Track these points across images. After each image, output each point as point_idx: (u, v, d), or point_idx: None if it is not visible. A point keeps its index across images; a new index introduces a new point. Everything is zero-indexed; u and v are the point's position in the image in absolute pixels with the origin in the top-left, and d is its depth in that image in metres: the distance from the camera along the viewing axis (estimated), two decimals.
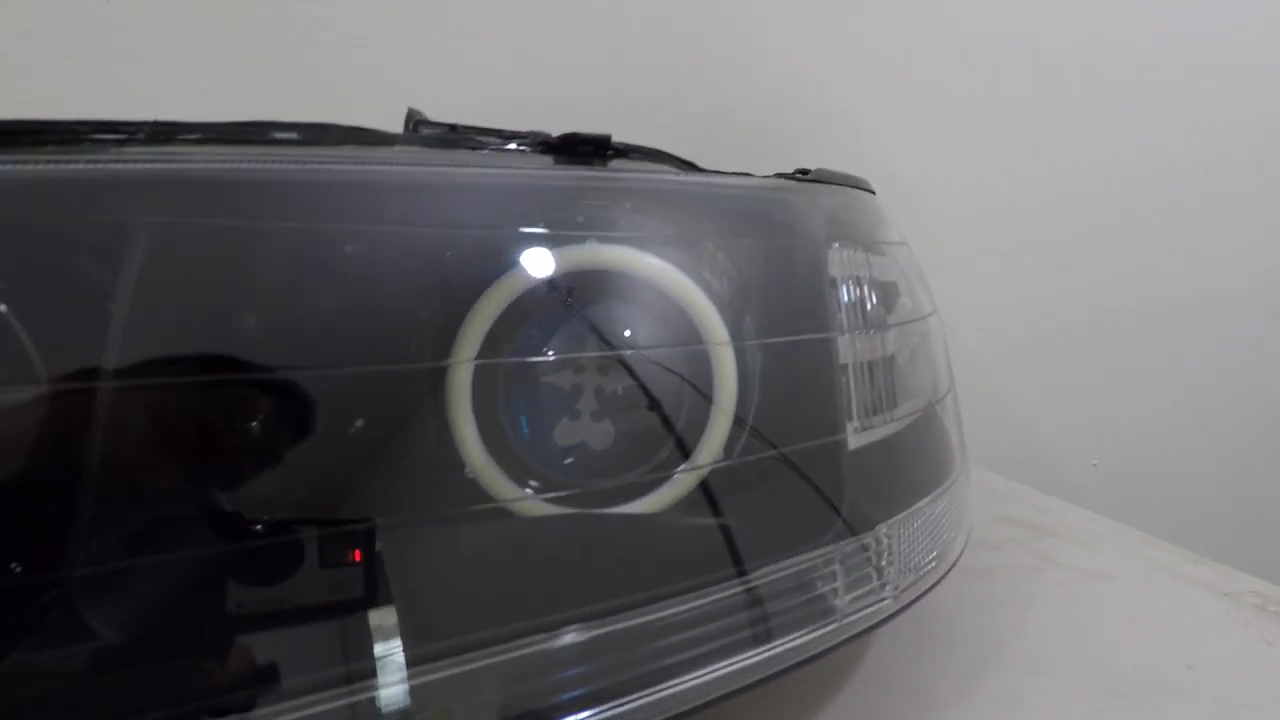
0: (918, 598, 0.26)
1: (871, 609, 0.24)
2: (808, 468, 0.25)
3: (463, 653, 0.21)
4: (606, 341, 0.26)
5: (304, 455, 0.21)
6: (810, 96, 0.68)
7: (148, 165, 0.19)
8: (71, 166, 0.18)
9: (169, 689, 0.18)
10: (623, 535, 0.24)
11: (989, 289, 0.79)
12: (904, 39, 0.71)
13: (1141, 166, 0.81)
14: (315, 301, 0.22)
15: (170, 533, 0.19)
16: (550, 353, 0.25)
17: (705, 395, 0.24)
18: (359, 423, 0.22)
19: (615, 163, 0.28)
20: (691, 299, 0.25)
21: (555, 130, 0.27)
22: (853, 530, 0.25)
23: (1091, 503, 0.84)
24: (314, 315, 0.21)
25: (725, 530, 0.24)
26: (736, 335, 0.26)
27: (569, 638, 0.21)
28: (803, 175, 0.31)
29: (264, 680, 0.19)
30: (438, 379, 0.23)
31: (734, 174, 0.29)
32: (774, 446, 0.25)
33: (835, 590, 0.23)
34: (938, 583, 0.28)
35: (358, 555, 0.21)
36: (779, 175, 0.31)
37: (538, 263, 0.24)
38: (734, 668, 0.22)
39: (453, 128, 0.28)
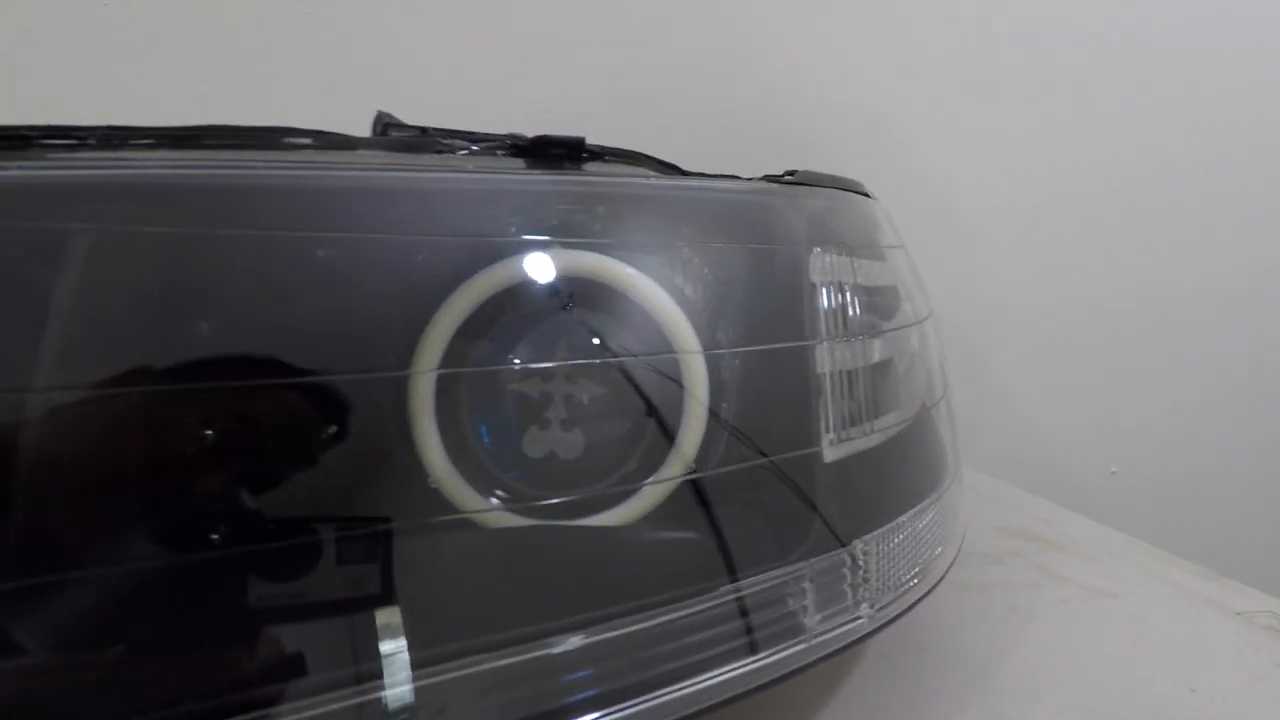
0: (896, 617, 0.25)
1: (844, 628, 0.23)
2: (779, 481, 0.24)
3: (420, 667, 0.21)
4: (574, 350, 0.25)
5: (259, 465, 0.21)
6: (810, 96, 0.67)
7: (88, 171, 0.19)
8: (11, 173, 0.18)
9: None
10: (584, 549, 0.24)
11: (1001, 288, 0.77)
12: (906, 38, 0.69)
13: (1157, 164, 0.79)
14: (268, 310, 0.21)
15: (108, 542, 0.19)
16: (516, 361, 0.25)
17: (654, 416, 0.23)
18: (319, 432, 0.21)
19: (590, 166, 0.28)
20: (660, 306, 0.24)
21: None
22: (825, 546, 0.24)
23: (1110, 512, 0.82)
24: (266, 324, 0.21)
25: (691, 545, 0.23)
26: (710, 343, 0.26)
27: (514, 657, 0.21)
28: (786, 178, 0.30)
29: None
30: (400, 388, 0.22)
31: (716, 176, 0.28)
32: (744, 459, 0.24)
33: (805, 608, 0.23)
34: (919, 601, 0.26)
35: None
36: (764, 178, 0.30)
37: (500, 270, 0.23)
38: (695, 689, 0.21)
39: (423, 130, 0.27)
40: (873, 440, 0.27)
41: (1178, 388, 0.84)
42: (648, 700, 0.21)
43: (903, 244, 0.39)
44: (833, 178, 0.32)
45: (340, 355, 0.22)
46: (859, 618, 0.24)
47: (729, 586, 0.22)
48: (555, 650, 0.20)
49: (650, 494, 0.25)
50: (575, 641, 0.21)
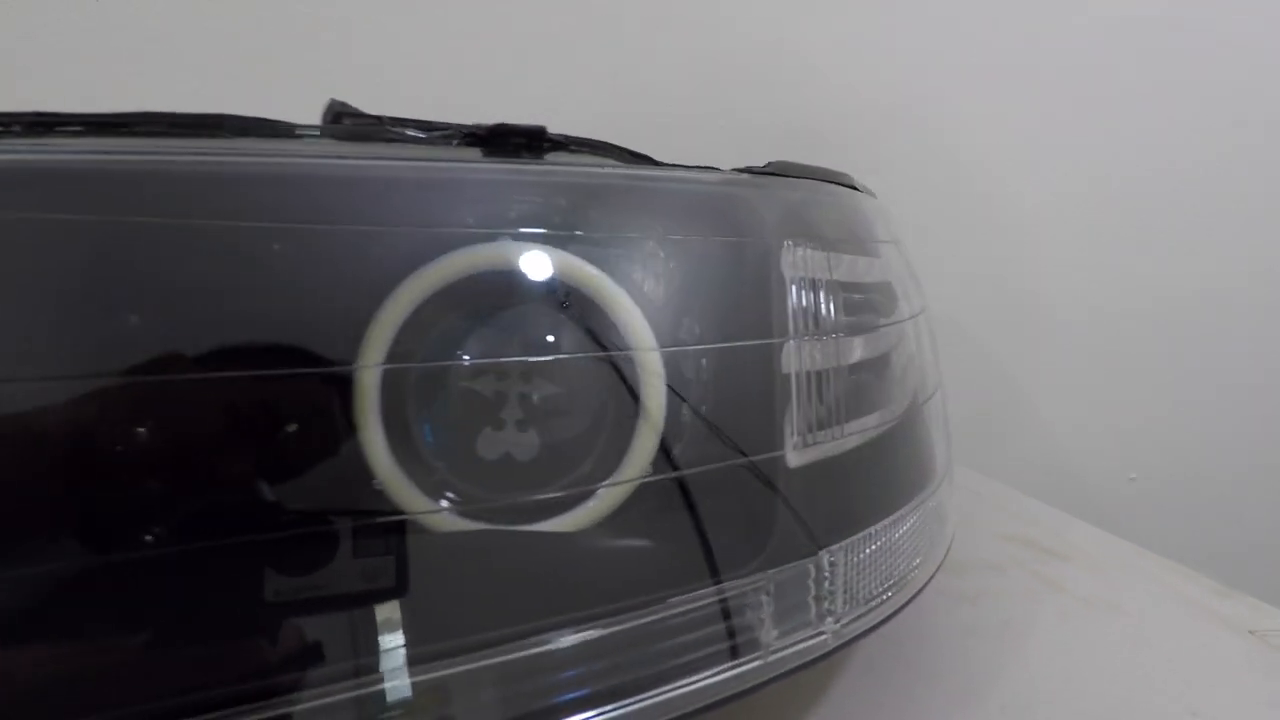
0: (865, 633, 0.24)
1: (804, 645, 0.22)
2: (738, 487, 0.23)
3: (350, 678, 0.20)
4: (527, 347, 0.24)
5: (190, 464, 0.20)
6: (835, 86, 0.65)
7: (6, 157, 0.18)
8: None
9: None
10: (528, 556, 0.22)
11: (1015, 287, 0.74)
12: (936, 24, 0.67)
13: (1181, 161, 0.76)
14: (198, 303, 0.20)
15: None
16: (465, 358, 0.24)
17: (609, 417, 0.22)
18: (258, 430, 0.20)
19: (552, 156, 0.27)
20: (612, 301, 0.23)
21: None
22: (786, 556, 0.22)
23: (1127, 521, 0.79)
24: (196, 318, 0.20)
25: (641, 554, 0.22)
26: (673, 341, 0.24)
27: (460, 668, 0.20)
28: (761, 169, 0.28)
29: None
30: (345, 385, 0.22)
31: (686, 168, 0.27)
32: (702, 463, 0.23)
33: (761, 623, 0.21)
34: (892, 616, 0.25)
35: None
36: (739, 169, 0.29)
37: (446, 264, 0.22)
38: (644, 704, 0.20)
39: (378, 119, 0.26)
40: (847, 443, 0.26)
41: (1201, 390, 0.81)
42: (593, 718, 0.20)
43: (896, 239, 0.37)
44: (815, 169, 0.31)
45: (277, 351, 0.21)
46: (822, 634, 0.22)
47: (679, 599, 0.21)
48: (470, 667, 0.19)
49: (606, 498, 0.23)
50: (513, 653, 0.20)
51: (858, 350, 0.29)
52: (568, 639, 0.19)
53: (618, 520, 0.23)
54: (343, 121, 0.26)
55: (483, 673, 0.20)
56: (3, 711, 0.17)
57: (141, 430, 0.19)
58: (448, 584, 0.22)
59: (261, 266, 0.21)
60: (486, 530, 0.23)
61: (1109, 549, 0.45)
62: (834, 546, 0.23)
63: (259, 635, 0.20)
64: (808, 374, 0.24)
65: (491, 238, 0.23)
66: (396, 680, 0.20)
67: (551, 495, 0.23)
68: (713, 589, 0.21)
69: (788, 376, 0.24)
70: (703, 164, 0.27)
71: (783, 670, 0.21)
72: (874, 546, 0.25)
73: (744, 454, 0.23)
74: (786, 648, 0.21)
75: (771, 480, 0.23)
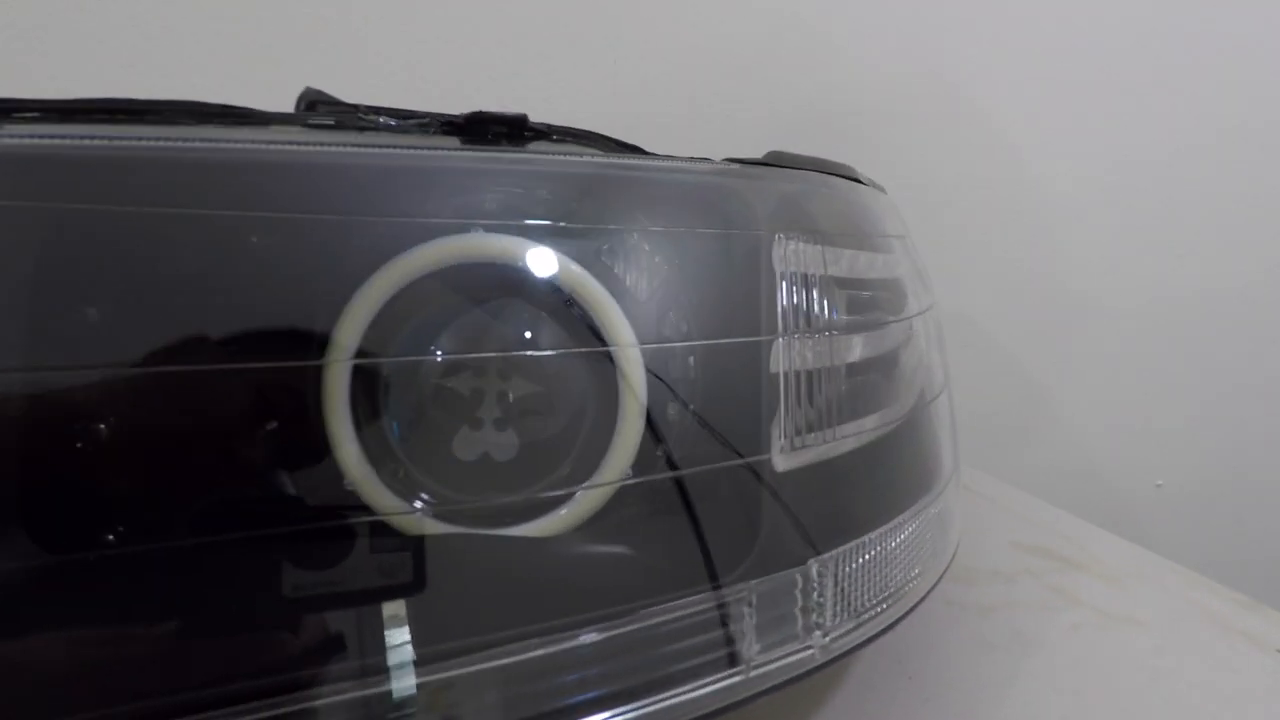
0: (855, 648, 0.22)
1: (789, 659, 0.21)
2: (721, 491, 0.21)
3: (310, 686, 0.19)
4: (504, 343, 0.23)
5: (156, 460, 0.19)
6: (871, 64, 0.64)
7: None
8: None
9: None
10: (499, 561, 0.22)
11: (1037, 285, 0.72)
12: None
13: (1223, 155, 0.73)
14: (162, 295, 0.20)
15: None
16: (439, 353, 0.23)
17: (588, 416, 0.21)
18: (222, 425, 0.20)
19: (534, 146, 0.26)
20: (590, 296, 0.22)
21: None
22: (771, 566, 0.21)
23: (1154, 529, 0.77)
24: (159, 310, 0.19)
25: (618, 561, 0.21)
26: (656, 337, 0.23)
27: (413, 679, 0.19)
28: (754, 160, 0.27)
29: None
30: (313, 381, 0.21)
31: (673, 158, 0.26)
32: (686, 465, 0.22)
33: (743, 635, 0.20)
34: (890, 627, 0.24)
35: None
36: (731, 160, 0.27)
37: (416, 255, 0.21)
38: None
39: (353, 107, 0.25)
40: (841, 446, 0.25)
41: (1235, 393, 0.78)
42: None
43: (904, 234, 0.36)
44: (813, 160, 0.30)
45: (241, 344, 0.20)
46: (808, 648, 0.21)
47: (654, 609, 0.20)
48: (446, 674, 0.18)
49: (584, 502, 0.22)
50: (479, 664, 0.19)
51: (856, 349, 0.27)
52: (528, 653, 0.18)
53: (594, 525, 0.22)
54: (317, 109, 0.26)
55: (451, 681, 0.20)
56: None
57: (100, 426, 0.19)
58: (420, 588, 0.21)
59: (227, 257, 0.20)
60: (459, 535, 0.22)
61: (1129, 559, 0.43)
62: (824, 555, 0.22)
63: (256, 632, 0.19)
64: (798, 373, 0.23)
65: (464, 229, 0.22)
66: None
67: (526, 498, 0.22)
68: (690, 599, 0.20)
69: (776, 376, 0.23)
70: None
71: (765, 686, 0.20)
72: (868, 556, 0.23)
73: (727, 457, 0.22)
74: (770, 662, 0.20)
75: (756, 485, 0.22)
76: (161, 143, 0.19)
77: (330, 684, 0.19)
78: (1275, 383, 0.79)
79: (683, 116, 0.60)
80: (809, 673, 0.21)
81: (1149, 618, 0.36)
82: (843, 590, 0.22)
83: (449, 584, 0.22)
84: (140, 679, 0.18)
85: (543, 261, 0.22)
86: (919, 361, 0.32)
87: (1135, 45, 0.70)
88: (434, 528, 0.22)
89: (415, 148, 0.22)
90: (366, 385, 0.21)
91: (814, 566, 0.22)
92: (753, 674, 0.20)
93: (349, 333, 0.21)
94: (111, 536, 0.19)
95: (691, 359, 0.24)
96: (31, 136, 0.19)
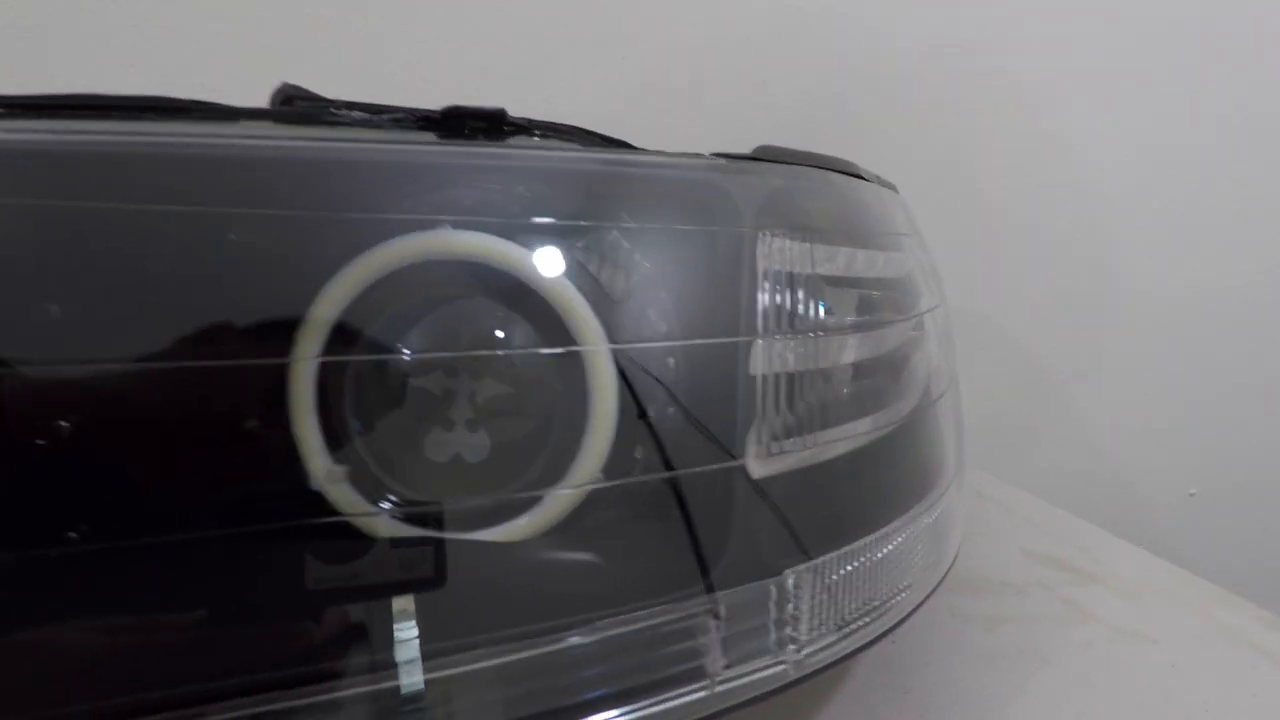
0: (835, 662, 0.21)
1: (759, 675, 0.20)
2: (692, 498, 0.21)
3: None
4: (473, 343, 0.23)
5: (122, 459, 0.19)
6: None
7: None
8: None
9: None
10: (463, 567, 0.21)
11: (1057, 279, 0.69)
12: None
13: (1265, 147, 0.70)
14: (125, 292, 0.19)
15: None
16: (406, 352, 0.22)
17: (557, 419, 0.20)
18: (183, 426, 0.20)
19: (514, 141, 0.25)
20: (559, 294, 0.21)
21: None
22: (743, 576, 0.20)
23: (1187, 540, 0.74)
24: (123, 307, 0.19)
25: (588, 569, 0.20)
26: (633, 337, 0.23)
27: (364, 687, 0.18)
28: (742, 155, 0.26)
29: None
30: (279, 380, 0.20)
31: (657, 153, 0.25)
32: (655, 470, 0.21)
33: (709, 648, 0.19)
34: (872, 643, 0.23)
35: None
36: (718, 155, 0.27)
37: (382, 253, 0.21)
38: None
39: (330, 103, 0.25)
40: (826, 452, 0.24)
41: (1269, 398, 0.74)
42: None
43: (912, 233, 0.34)
44: (809, 155, 0.29)
45: (205, 341, 0.20)
46: (780, 663, 0.20)
47: (613, 619, 0.19)
48: (395, 683, 0.18)
49: (552, 506, 0.22)
50: (434, 671, 0.19)
51: (850, 350, 0.26)
52: (481, 663, 0.18)
53: (560, 532, 0.21)
54: (293, 105, 0.25)
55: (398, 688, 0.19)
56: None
57: (61, 423, 0.19)
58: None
59: (190, 253, 0.20)
60: (427, 538, 0.21)
61: (1148, 572, 0.41)
62: (800, 566, 0.21)
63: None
64: (778, 376, 0.22)
65: (431, 225, 0.21)
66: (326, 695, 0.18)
67: (493, 501, 0.22)
68: (653, 610, 0.19)
69: (756, 379, 0.22)
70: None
71: (732, 702, 0.19)
72: (850, 567, 0.22)
73: (701, 461, 0.21)
74: (737, 678, 0.19)
75: (729, 491, 0.21)
76: (122, 137, 0.19)
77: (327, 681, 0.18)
78: None
79: (687, 115, 0.59)
80: (780, 689, 0.20)
81: (1165, 635, 0.34)
82: (822, 603, 0.21)
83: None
84: (118, 672, 0.18)
85: (511, 259, 0.21)
86: (922, 363, 0.31)
87: (1175, 34, 0.67)
88: (399, 530, 0.21)
89: (383, 142, 0.22)
90: (333, 384, 0.21)
91: (790, 577, 0.21)
92: (718, 689, 0.19)
93: (315, 331, 0.20)
94: (75, 533, 0.19)
95: (672, 360, 0.23)
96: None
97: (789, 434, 0.22)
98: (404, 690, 0.19)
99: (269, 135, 0.21)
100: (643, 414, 0.22)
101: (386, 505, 0.21)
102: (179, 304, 0.19)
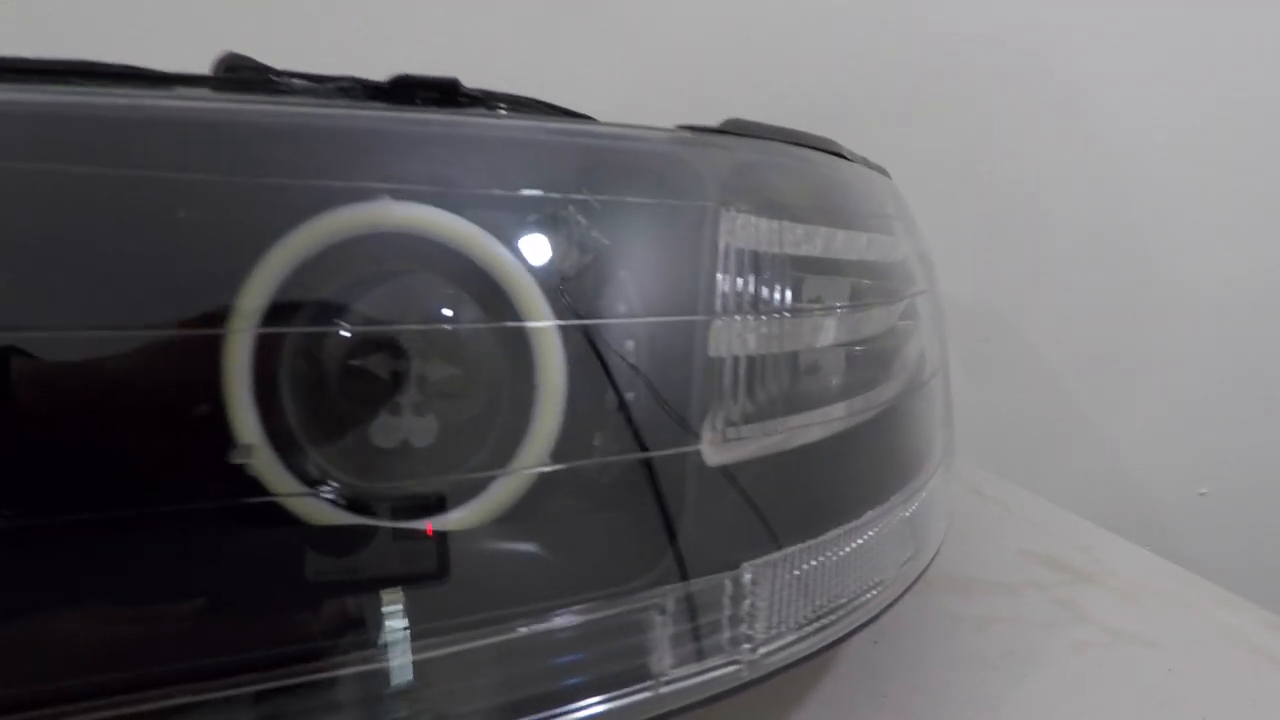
0: (794, 663, 0.20)
1: (709, 675, 0.18)
2: (641, 486, 0.19)
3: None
4: (416, 320, 0.22)
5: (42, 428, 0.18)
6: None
7: None
8: None
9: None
10: (405, 557, 0.20)
11: (1071, 279, 0.68)
12: None
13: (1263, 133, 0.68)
14: (45, 255, 0.18)
15: None
16: (344, 331, 0.21)
17: (503, 400, 0.19)
18: (103, 395, 0.19)
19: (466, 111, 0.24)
20: (504, 270, 0.20)
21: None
22: (695, 569, 0.19)
23: (1197, 540, 0.72)
24: (41, 271, 0.18)
25: (524, 560, 0.19)
26: (585, 315, 0.21)
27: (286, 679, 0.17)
28: (709, 128, 0.25)
29: None
30: (213, 358, 0.19)
31: (618, 125, 0.24)
32: (607, 455, 0.20)
33: (654, 646, 0.18)
34: (837, 643, 0.21)
35: None
36: (683, 127, 0.25)
37: (317, 225, 0.20)
38: None
39: (272, 72, 0.24)
40: (790, 440, 0.22)
41: None
42: None
43: (899, 215, 0.33)
44: (786, 131, 0.27)
45: (133, 309, 0.19)
46: (734, 663, 0.19)
47: (557, 613, 0.18)
48: (332, 674, 0.17)
49: (499, 493, 0.21)
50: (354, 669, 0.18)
51: (823, 333, 0.25)
52: (423, 654, 0.17)
53: (505, 520, 0.20)
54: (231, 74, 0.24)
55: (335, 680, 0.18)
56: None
57: None
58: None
59: (112, 220, 0.19)
60: (365, 526, 0.20)
61: (1149, 572, 0.39)
62: (758, 560, 0.20)
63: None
64: (737, 359, 0.21)
65: (370, 196, 0.20)
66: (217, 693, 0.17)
67: (434, 490, 0.21)
68: (593, 604, 0.18)
69: (715, 361, 0.21)
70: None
71: (679, 705, 0.18)
72: (815, 561, 0.21)
73: (654, 447, 0.20)
74: (685, 678, 0.18)
75: (681, 479, 0.19)
76: (39, 96, 0.18)
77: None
78: None
79: (693, 110, 0.58)
80: (733, 691, 0.19)
81: (1163, 637, 0.33)
82: (782, 599, 0.20)
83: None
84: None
85: (455, 233, 0.20)
86: (905, 349, 0.30)
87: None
88: (337, 517, 0.20)
89: (321, 107, 0.21)
90: (269, 363, 0.20)
91: (747, 572, 0.20)
92: (663, 690, 0.18)
93: (247, 310, 0.19)
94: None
95: (631, 343, 0.22)
96: None
97: (749, 419, 0.21)
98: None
99: (200, 98, 0.20)
100: (597, 397, 0.21)
101: (326, 491, 0.20)
102: (96, 271, 0.18)
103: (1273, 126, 0.67)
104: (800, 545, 0.21)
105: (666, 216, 0.22)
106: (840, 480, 0.24)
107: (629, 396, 0.21)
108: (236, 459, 0.19)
